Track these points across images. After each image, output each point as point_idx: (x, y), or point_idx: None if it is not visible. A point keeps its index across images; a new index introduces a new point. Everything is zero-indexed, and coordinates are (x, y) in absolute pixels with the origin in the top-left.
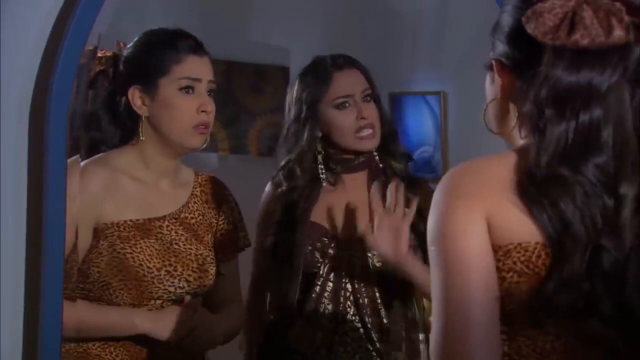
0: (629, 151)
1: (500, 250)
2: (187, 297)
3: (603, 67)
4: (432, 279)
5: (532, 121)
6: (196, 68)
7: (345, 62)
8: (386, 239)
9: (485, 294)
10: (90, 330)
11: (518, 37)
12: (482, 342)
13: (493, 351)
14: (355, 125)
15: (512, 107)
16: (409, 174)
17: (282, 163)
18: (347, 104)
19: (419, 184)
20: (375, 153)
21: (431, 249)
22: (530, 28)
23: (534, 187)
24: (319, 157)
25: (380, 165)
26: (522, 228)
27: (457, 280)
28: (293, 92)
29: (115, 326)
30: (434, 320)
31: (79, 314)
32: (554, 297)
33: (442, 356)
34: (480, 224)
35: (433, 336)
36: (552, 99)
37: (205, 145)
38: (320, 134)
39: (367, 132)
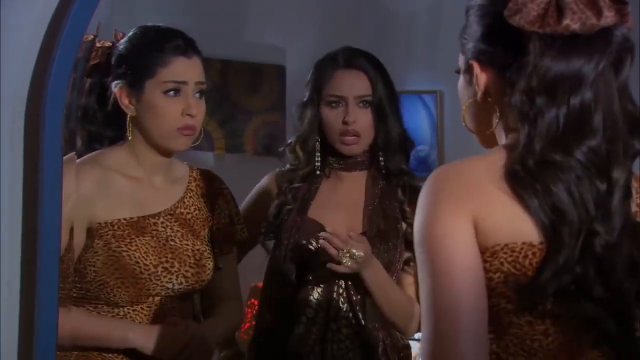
0: (619, 134)
1: (487, 252)
2: (174, 318)
3: (591, 53)
4: (420, 281)
5: (522, 111)
6: (182, 70)
7: (356, 62)
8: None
9: (473, 297)
10: (84, 340)
11: (496, 32)
12: (471, 345)
13: (481, 353)
14: (339, 127)
15: (494, 106)
16: (413, 185)
17: (287, 142)
18: (339, 104)
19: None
20: (381, 157)
21: (418, 250)
22: (514, 20)
23: (527, 173)
24: (317, 144)
25: (383, 170)
26: (509, 229)
27: (444, 285)
28: (309, 74)
29: (108, 338)
30: (423, 323)
31: (74, 324)
32: (549, 284)
33: (431, 359)
34: (467, 226)
35: (422, 339)
36: (543, 88)
37: (196, 143)
38: (317, 121)
39: (349, 138)
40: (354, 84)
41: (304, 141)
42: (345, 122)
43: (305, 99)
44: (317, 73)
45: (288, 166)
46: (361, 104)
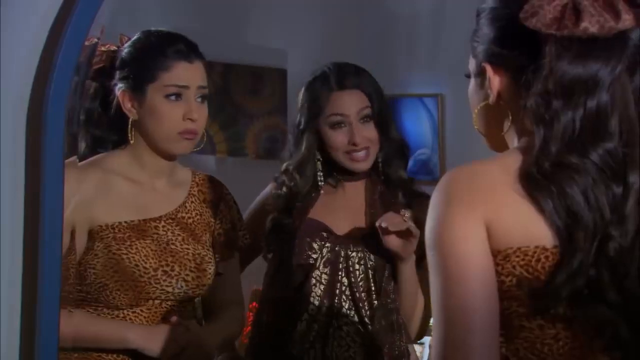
0: (635, 138)
1: (499, 255)
2: (175, 318)
3: (608, 57)
4: (431, 284)
5: (537, 114)
6: (184, 75)
7: (349, 82)
8: (396, 240)
9: (485, 301)
10: (84, 341)
11: (509, 35)
12: (482, 350)
13: (492, 357)
14: (347, 147)
15: (506, 109)
16: (414, 190)
17: (283, 168)
18: (342, 125)
19: (420, 201)
20: (380, 164)
21: (429, 254)
22: (531, 23)
23: (542, 175)
24: (318, 164)
25: (382, 177)
26: (522, 232)
27: (456, 288)
28: (299, 98)
29: (108, 339)
30: (434, 326)
31: (76, 325)
32: (562, 287)
33: None
34: (479, 230)
35: (434, 343)
36: (560, 91)
37: (198, 148)
38: (316, 145)
39: (359, 154)
40: (353, 102)
41: (302, 167)
42: (353, 143)
43: (302, 126)
44: (310, 97)
45: (284, 189)
46: (362, 120)
